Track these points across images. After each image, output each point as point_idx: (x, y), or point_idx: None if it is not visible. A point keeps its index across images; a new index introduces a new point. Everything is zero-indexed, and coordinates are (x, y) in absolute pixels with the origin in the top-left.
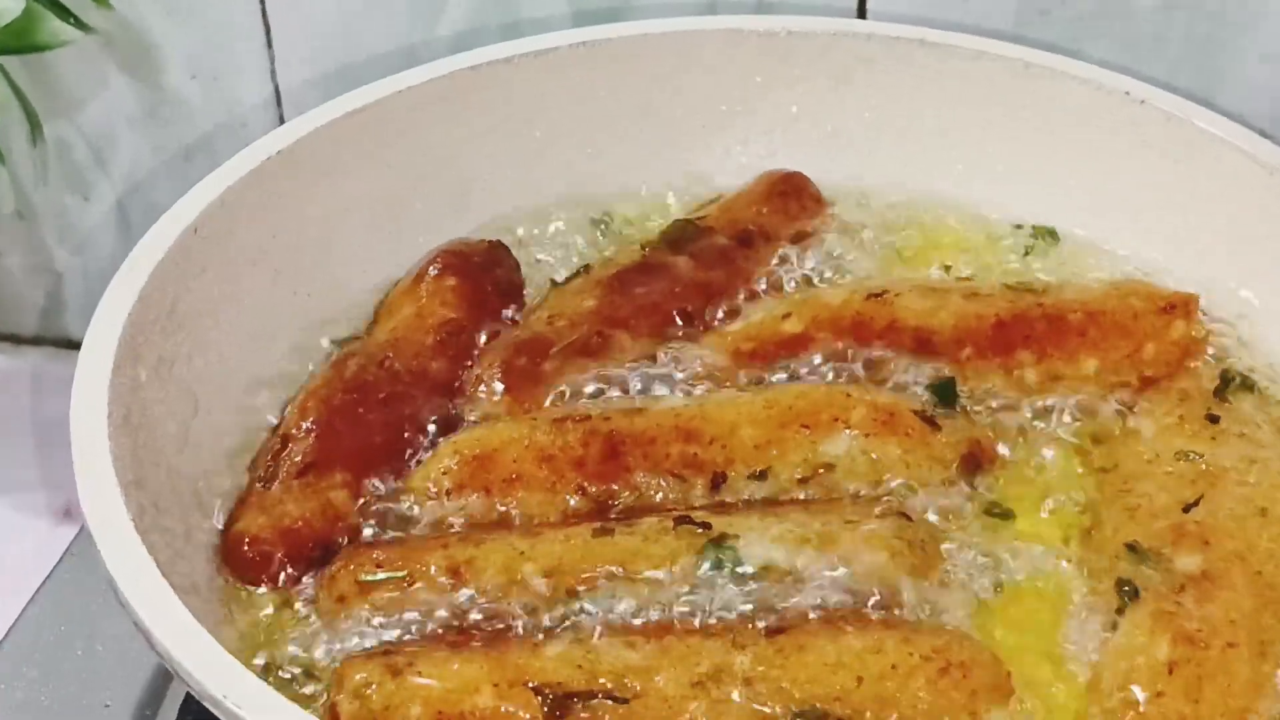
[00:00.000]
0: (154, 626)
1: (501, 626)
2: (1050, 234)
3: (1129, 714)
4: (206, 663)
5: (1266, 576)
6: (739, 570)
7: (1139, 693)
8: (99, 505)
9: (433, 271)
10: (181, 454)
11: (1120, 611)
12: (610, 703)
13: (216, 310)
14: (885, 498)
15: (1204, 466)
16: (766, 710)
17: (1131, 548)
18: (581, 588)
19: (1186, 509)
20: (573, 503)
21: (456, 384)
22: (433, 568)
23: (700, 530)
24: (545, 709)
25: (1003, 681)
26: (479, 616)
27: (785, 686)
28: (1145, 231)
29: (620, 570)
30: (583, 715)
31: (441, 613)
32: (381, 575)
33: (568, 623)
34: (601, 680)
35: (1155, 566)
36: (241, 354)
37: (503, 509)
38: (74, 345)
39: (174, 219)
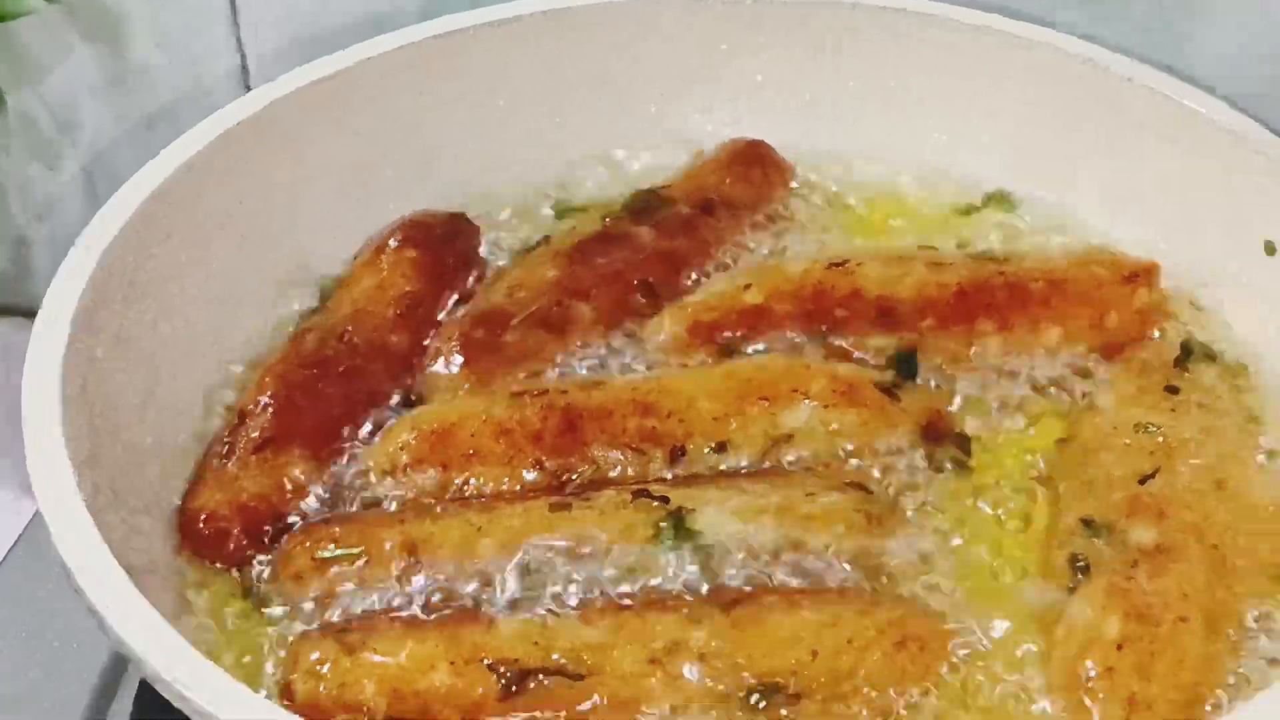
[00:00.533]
0: (105, 610)
1: (458, 604)
2: (1009, 201)
3: (1079, 691)
4: (156, 645)
5: (1222, 550)
6: (697, 544)
7: (1090, 669)
8: (50, 486)
9: (393, 244)
10: (141, 426)
11: (1074, 588)
12: (566, 679)
13: (180, 278)
14: (846, 468)
15: (1162, 439)
16: (723, 685)
17: (1086, 522)
18: (538, 563)
19: (1143, 481)
20: (530, 477)
21: (416, 358)
22: (388, 544)
23: (658, 504)
24: (501, 686)
25: (945, 649)
26: (437, 595)
27: (741, 661)
28: (1114, 201)
29: (577, 544)
30: (539, 692)
31: (397, 589)
32: (337, 551)
33: (524, 598)
34: (557, 657)
35: (1109, 541)
36: (205, 323)
37: (460, 484)
38: None
39: (136, 186)
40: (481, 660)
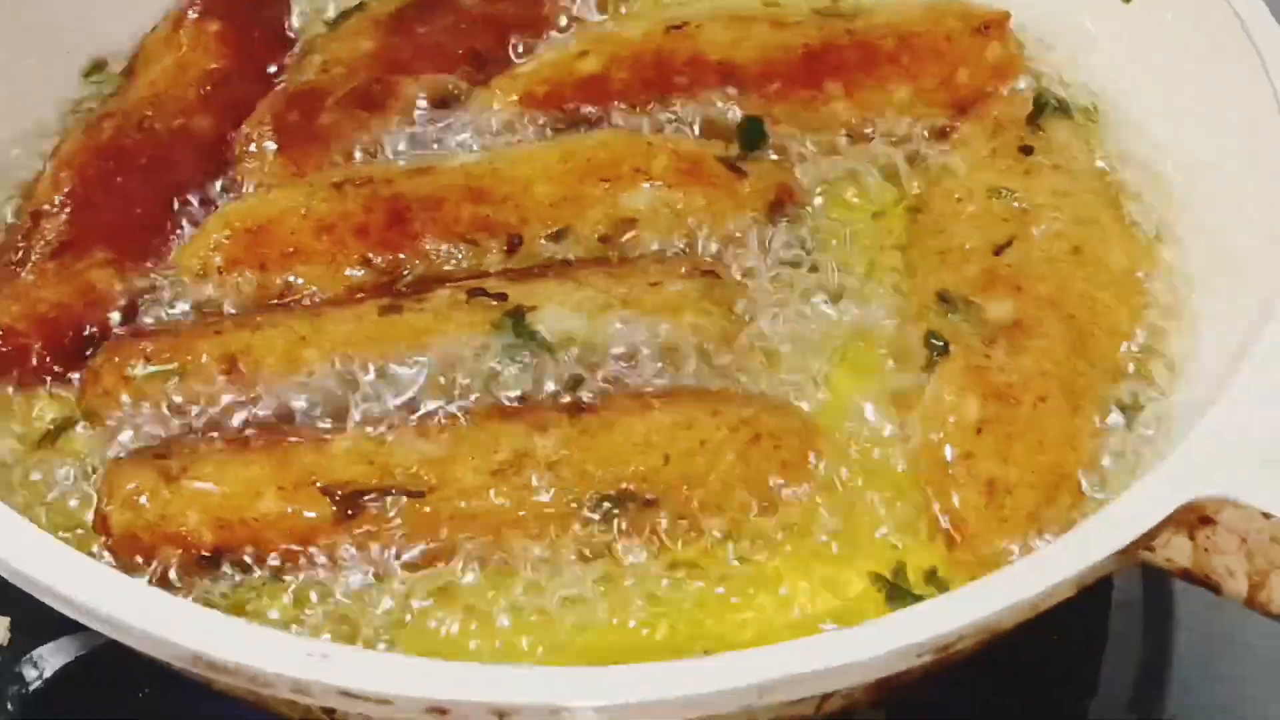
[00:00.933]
0: None
1: (284, 422)
2: None
3: (938, 479)
4: None
5: (1080, 321)
6: (539, 344)
7: (949, 454)
8: None
9: (192, 15)
10: None
11: (930, 367)
12: (405, 498)
13: None
14: (693, 251)
15: (1016, 204)
16: (572, 495)
17: (942, 297)
18: (369, 372)
19: (998, 251)
20: (358, 276)
21: (226, 145)
22: (205, 357)
23: (495, 302)
24: (335, 509)
25: (812, 442)
26: (262, 412)
27: (590, 469)
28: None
29: (411, 351)
30: (376, 513)
31: (219, 408)
32: (149, 368)
33: (355, 413)
34: (395, 475)
35: (966, 316)
36: None
37: (281, 285)
38: None
39: None
40: (313, 483)
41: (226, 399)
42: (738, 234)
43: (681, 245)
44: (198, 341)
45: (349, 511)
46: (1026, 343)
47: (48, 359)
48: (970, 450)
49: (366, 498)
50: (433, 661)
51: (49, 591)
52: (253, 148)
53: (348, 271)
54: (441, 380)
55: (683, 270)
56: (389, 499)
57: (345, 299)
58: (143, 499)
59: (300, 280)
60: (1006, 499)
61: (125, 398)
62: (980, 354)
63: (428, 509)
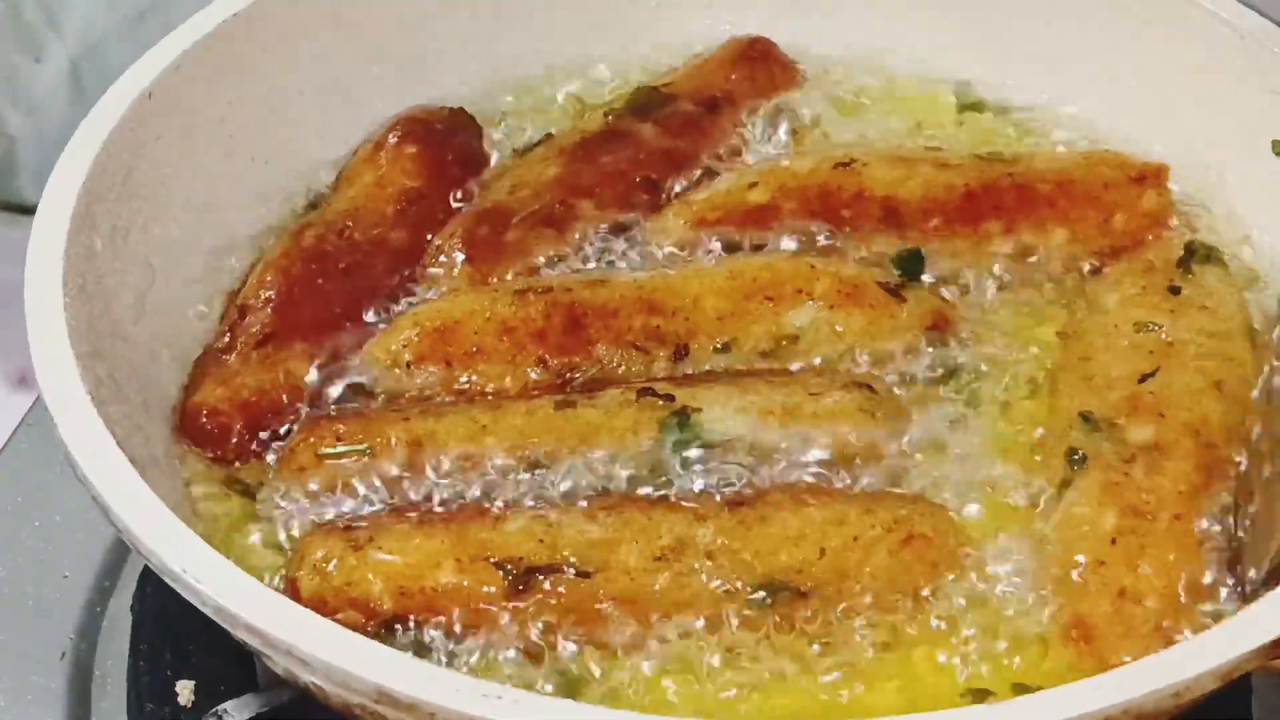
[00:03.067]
0: (112, 501)
1: (463, 501)
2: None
3: (1071, 582)
4: (164, 537)
5: (1218, 451)
6: (702, 443)
7: (1082, 561)
8: (54, 377)
9: (393, 139)
10: (139, 324)
11: (1067, 483)
12: (573, 576)
13: (173, 177)
14: (849, 369)
15: (1163, 337)
16: (729, 584)
17: (1085, 417)
18: (543, 461)
19: (1142, 379)
20: (534, 375)
21: (418, 255)
22: (393, 440)
23: (662, 402)
24: (508, 583)
25: (956, 542)
26: (442, 492)
27: (747, 559)
28: (1116, 98)
29: (582, 443)
30: (545, 589)
31: (403, 486)
32: (341, 448)
33: (529, 497)
34: (564, 554)
35: (1108, 436)
36: (198, 222)
37: (463, 381)
38: (28, 210)
39: (130, 83)
40: (488, 558)
41: (409, 479)
42: (895, 355)
43: (841, 361)
44: (385, 425)
45: (520, 586)
46: (1164, 464)
47: (247, 439)
48: (1103, 559)
49: (536, 574)
50: (606, 709)
51: (248, 627)
52: (443, 258)
53: (525, 370)
54: (610, 469)
55: (840, 382)
56: (557, 576)
57: (523, 395)
58: (331, 566)
59: (480, 377)
60: (1136, 608)
61: (317, 473)
62: (1119, 471)
63: (594, 588)
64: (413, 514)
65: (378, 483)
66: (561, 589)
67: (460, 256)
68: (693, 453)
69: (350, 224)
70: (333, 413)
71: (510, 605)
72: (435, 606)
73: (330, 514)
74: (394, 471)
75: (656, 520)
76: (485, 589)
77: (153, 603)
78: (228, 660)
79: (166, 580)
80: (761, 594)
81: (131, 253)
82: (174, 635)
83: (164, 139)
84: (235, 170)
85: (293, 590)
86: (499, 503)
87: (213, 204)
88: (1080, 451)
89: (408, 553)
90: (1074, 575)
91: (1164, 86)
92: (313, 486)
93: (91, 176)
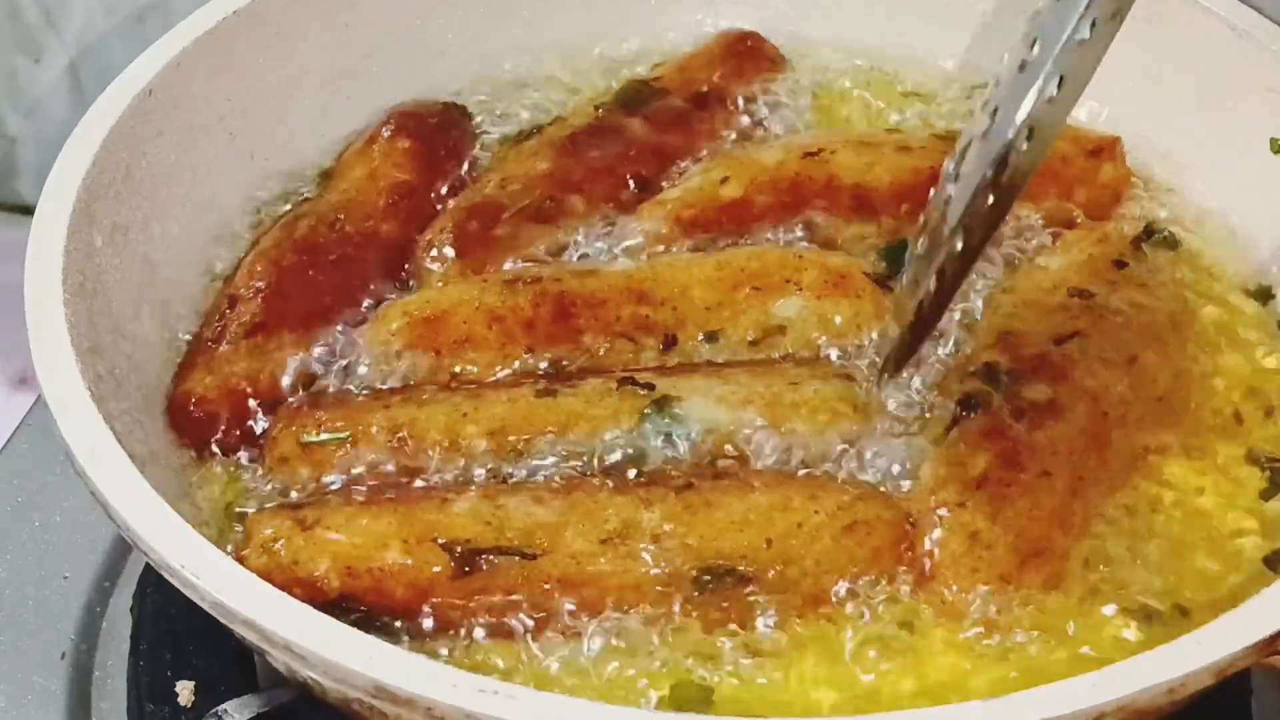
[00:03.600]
0: (111, 497)
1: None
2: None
3: (929, 518)
4: (163, 533)
5: (1110, 420)
6: (680, 430)
7: (945, 499)
8: (54, 373)
9: (386, 133)
10: (138, 321)
11: (955, 423)
12: (518, 559)
13: (172, 174)
14: (834, 358)
15: (1093, 305)
16: (674, 567)
17: (990, 366)
18: (522, 448)
19: (1059, 342)
20: (522, 365)
21: (409, 248)
22: (375, 428)
23: (643, 391)
24: (454, 564)
25: (903, 533)
26: (421, 482)
27: (692, 544)
28: (1114, 96)
29: (563, 431)
30: (491, 571)
31: (385, 475)
32: (324, 436)
33: (502, 481)
34: (510, 536)
35: (1004, 389)
36: (198, 219)
37: (452, 370)
38: (28, 211)
39: (128, 82)
40: (435, 539)
41: (389, 467)
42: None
43: (828, 350)
44: (367, 413)
45: (466, 568)
46: (1051, 423)
47: (234, 428)
48: (964, 501)
49: (483, 555)
50: (601, 704)
51: (245, 622)
52: (434, 251)
53: (514, 361)
54: (588, 458)
55: (822, 373)
56: (503, 558)
57: (508, 384)
58: (278, 545)
59: (470, 366)
60: (985, 553)
61: (300, 461)
62: (1004, 420)
63: (539, 569)
64: (363, 496)
65: (360, 470)
66: (508, 571)
67: (450, 251)
68: (669, 439)
69: (342, 216)
70: (314, 400)
71: (456, 586)
72: (382, 588)
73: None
74: (376, 458)
75: (603, 503)
76: (432, 569)
77: (153, 603)
78: (228, 661)
79: (165, 576)
80: (706, 578)
81: (131, 249)
82: (174, 635)
83: (164, 136)
84: (235, 167)
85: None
86: (470, 486)
87: (212, 200)
88: (974, 397)
89: (354, 532)
90: (936, 512)
91: (1163, 85)
92: (295, 473)
93: (91, 173)
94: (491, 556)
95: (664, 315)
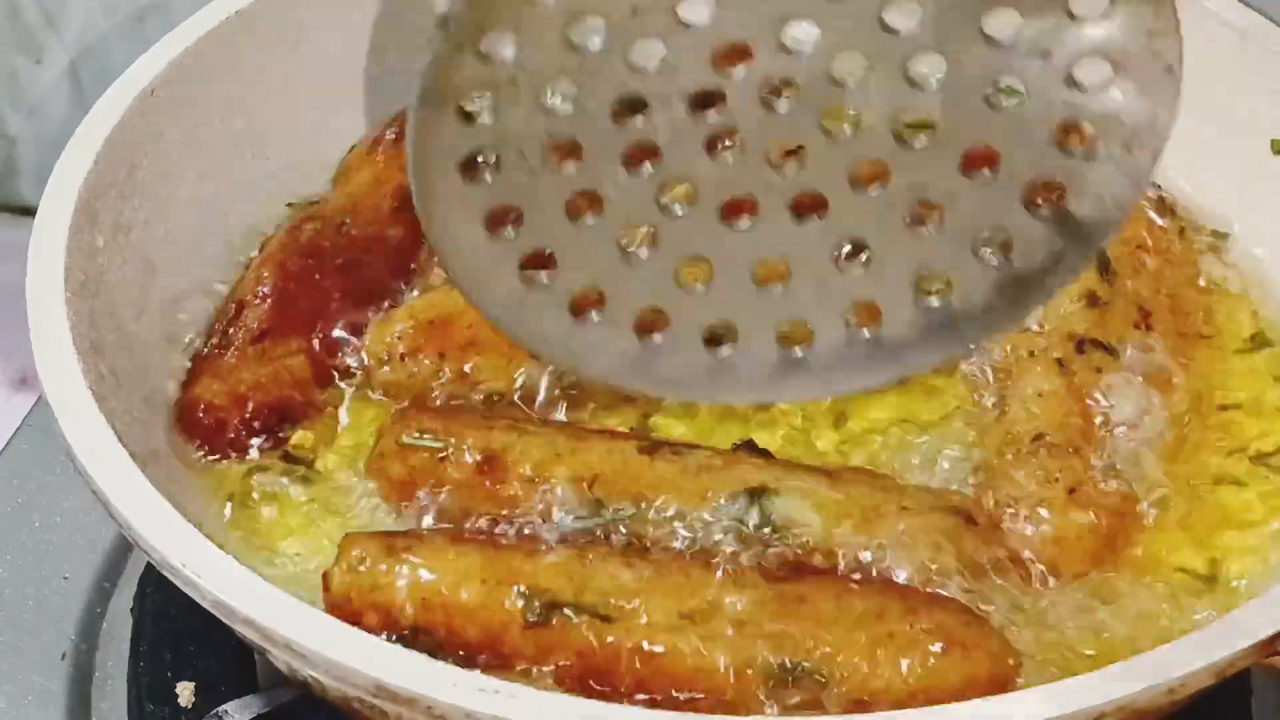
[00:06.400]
0: (112, 495)
1: (515, 526)
2: None
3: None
4: (165, 532)
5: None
6: (770, 525)
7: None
8: (56, 371)
9: (390, 136)
10: (140, 320)
11: None
12: (594, 619)
13: (176, 174)
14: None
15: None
16: (751, 655)
17: None
18: (611, 503)
19: None
20: (528, 372)
21: (415, 252)
22: (467, 445)
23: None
24: (526, 613)
25: (1005, 669)
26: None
27: (774, 634)
28: None
29: (654, 495)
30: (563, 627)
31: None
32: (425, 440)
33: (583, 532)
34: (589, 596)
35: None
36: (201, 219)
37: (456, 373)
38: (28, 212)
39: (133, 79)
40: (515, 585)
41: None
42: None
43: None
44: (467, 429)
45: (538, 618)
46: None
47: (243, 433)
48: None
49: (558, 609)
50: (601, 704)
51: (246, 621)
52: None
53: (520, 363)
54: (673, 525)
55: (937, 503)
56: (579, 616)
57: (608, 432)
58: (363, 566)
59: (475, 369)
60: None
61: (393, 462)
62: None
63: (609, 633)
64: (455, 532)
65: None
66: (579, 630)
67: None
68: (757, 532)
69: (348, 220)
70: (422, 408)
71: (528, 637)
72: (454, 624)
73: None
74: (461, 476)
75: (693, 579)
76: (505, 615)
77: (153, 604)
78: (228, 661)
79: (166, 574)
80: (782, 672)
81: (134, 249)
82: (174, 636)
83: (167, 136)
84: (238, 167)
85: (325, 583)
86: (551, 532)
87: (216, 201)
88: None
89: (440, 566)
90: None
91: None
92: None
93: (94, 172)
94: (567, 611)
95: None
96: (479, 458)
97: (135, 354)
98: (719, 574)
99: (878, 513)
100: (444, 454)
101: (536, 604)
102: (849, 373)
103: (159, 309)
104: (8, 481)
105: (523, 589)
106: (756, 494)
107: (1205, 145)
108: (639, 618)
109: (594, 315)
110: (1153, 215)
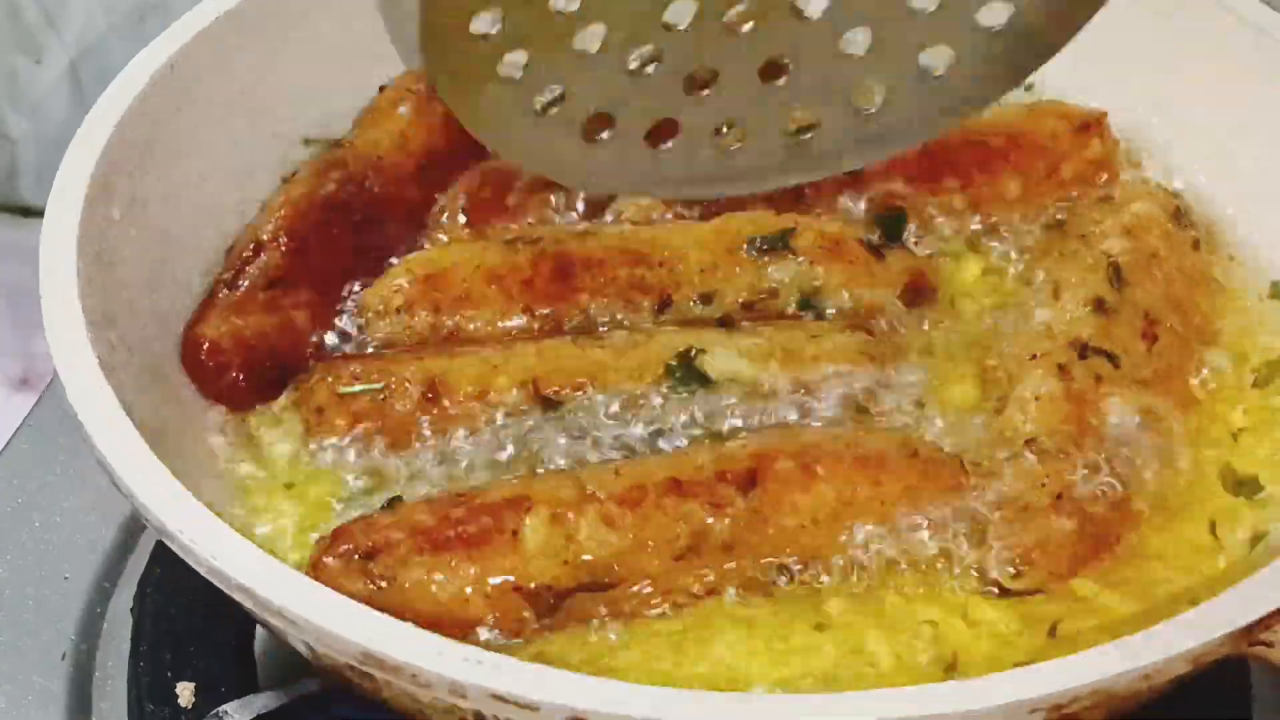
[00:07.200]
0: (116, 464)
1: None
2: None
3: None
4: (166, 499)
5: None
6: (706, 386)
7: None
8: (65, 341)
9: (421, 87)
10: (154, 294)
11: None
12: (598, 592)
13: (193, 150)
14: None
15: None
16: (747, 570)
17: None
18: (555, 398)
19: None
20: (520, 322)
21: (426, 214)
22: (408, 381)
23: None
24: (538, 609)
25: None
26: (454, 443)
27: (764, 548)
28: (1132, 90)
29: (592, 382)
30: (573, 607)
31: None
32: (358, 387)
33: (536, 437)
34: (586, 574)
35: None
36: (217, 195)
37: (451, 327)
38: (29, 212)
39: (151, 55)
40: (516, 589)
41: (424, 422)
42: (875, 309)
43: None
44: (400, 366)
45: (549, 608)
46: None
47: (242, 381)
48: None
49: (565, 597)
50: (578, 675)
51: (240, 588)
52: (445, 218)
53: (513, 318)
54: (612, 408)
55: (839, 326)
56: (583, 594)
57: (530, 335)
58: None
59: (469, 322)
60: None
61: (335, 412)
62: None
63: (618, 597)
64: (432, 531)
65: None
66: (588, 602)
67: (463, 217)
68: (696, 396)
69: (371, 175)
70: (347, 354)
71: (542, 624)
72: (469, 638)
73: (348, 454)
74: (408, 409)
75: (672, 516)
76: (519, 617)
77: (153, 604)
78: (228, 661)
79: (165, 541)
80: (781, 575)
81: (149, 223)
82: (174, 636)
83: (184, 112)
84: (255, 144)
85: (313, 571)
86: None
87: (232, 177)
88: None
89: (434, 583)
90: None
91: (1181, 80)
92: (331, 424)
93: (111, 147)
94: (574, 594)
95: (660, 276)
96: (421, 388)
97: (148, 326)
98: (692, 500)
99: (795, 345)
100: (384, 395)
101: (543, 601)
102: (855, 151)
103: (174, 282)
104: (8, 481)
105: (525, 588)
106: (685, 357)
107: (1221, 144)
108: (638, 574)
109: (605, 135)
110: (1169, 225)
